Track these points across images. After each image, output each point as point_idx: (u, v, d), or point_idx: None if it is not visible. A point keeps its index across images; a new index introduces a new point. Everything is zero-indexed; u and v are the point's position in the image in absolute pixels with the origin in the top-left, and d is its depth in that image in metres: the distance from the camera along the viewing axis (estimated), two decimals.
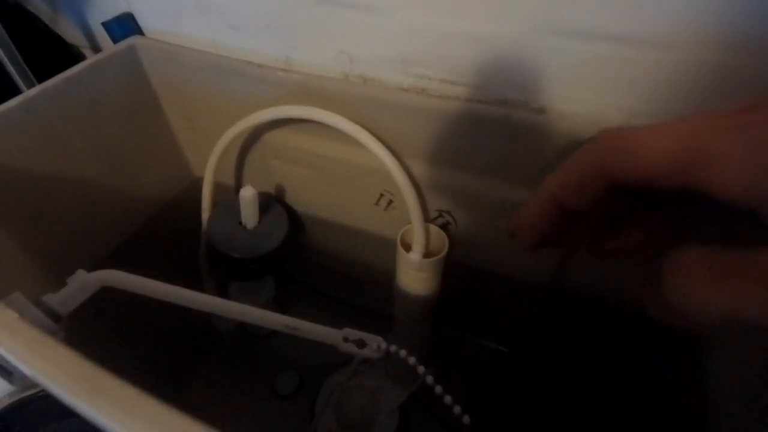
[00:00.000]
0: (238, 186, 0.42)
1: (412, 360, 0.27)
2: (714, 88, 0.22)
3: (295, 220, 0.42)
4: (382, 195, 0.35)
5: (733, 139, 0.11)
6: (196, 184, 0.39)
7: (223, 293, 0.44)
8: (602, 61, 0.24)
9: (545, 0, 0.23)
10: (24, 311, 0.22)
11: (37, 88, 0.29)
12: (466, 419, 0.25)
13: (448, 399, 0.26)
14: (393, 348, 0.28)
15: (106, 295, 0.26)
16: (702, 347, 0.30)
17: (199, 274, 0.42)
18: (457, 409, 0.26)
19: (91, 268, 0.36)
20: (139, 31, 0.37)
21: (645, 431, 0.34)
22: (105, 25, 0.36)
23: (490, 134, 0.28)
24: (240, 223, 0.36)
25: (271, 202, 0.38)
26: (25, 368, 0.16)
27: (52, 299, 0.24)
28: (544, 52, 0.24)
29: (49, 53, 0.44)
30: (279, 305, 0.52)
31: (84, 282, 0.25)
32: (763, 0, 0.19)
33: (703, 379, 0.28)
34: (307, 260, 0.47)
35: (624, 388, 0.38)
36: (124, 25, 0.36)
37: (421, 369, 0.27)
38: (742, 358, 0.27)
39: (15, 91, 0.35)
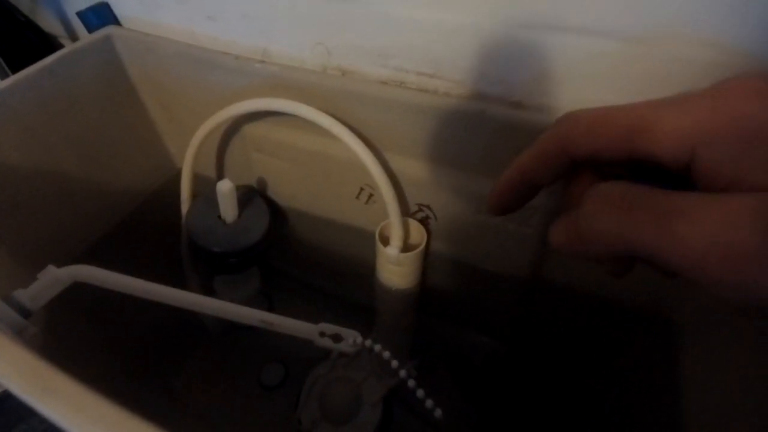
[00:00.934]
0: (220, 178, 0.42)
1: (386, 354, 0.27)
2: (686, 83, 0.22)
3: (277, 213, 0.42)
4: (362, 189, 0.35)
5: (671, 109, 0.13)
6: (178, 176, 0.38)
7: (208, 285, 0.44)
8: (578, 56, 0.23)
9: None
10: None
11: (9, 80, 0.29)
12: (438, 413, 0.26)
13: (420, 393, 0.26)
14: (368, 342, 0.28)
15: (90, 287, 0.25)
16: (678, 339, 0.30)
17: (183, 266, 0.42)
18: (429, 403, 0.26)
19: (70, 263, 0.36)
20: (115, 21, 0.36)
21: (622, 420, 0.35)
22: (80, 14, 0.35)
23: (467, 129, 0.27)
24: (219, 216, 0.36)
25: (253, 195, 0.38)
26: None
27: (22, 295, 0.23)
28: (520, 46, 0.24)
29: (29, 45, 0.43)
30: (264, 296, 0.52)
31: (54, 277, 0.25)
32: (738, 4, 0.19)
33: (678, 371, 0.29)
34: (291, 252, 0.47)
35: (603, 379, 0.38)
36: (100, 15, 0.35)
37: (395, 363, 0.27)
38: (716, 348, 0.27)
39: None
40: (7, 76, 0.34)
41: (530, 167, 0.17)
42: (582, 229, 0.14)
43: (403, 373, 0.27)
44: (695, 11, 0.20)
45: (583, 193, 0.15)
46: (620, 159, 0.14)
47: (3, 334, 0.16)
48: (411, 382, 0.26)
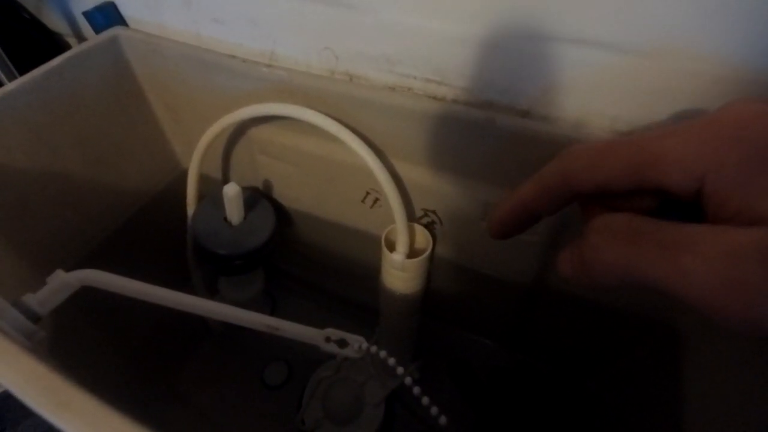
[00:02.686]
0: (226, 180, 0.42)
1: (392, 361, 0.27)
2: (691, 96, 0.22)
3: (283, 215, 0.42)
4: (368, 193, 0.35)
5: (675, 139, 0.13)
6: (185, 176, 0.38)
7: (213, 285, 0.44)
8: (585, 67, 0.23)
9: (528, 6, 0.22)
10: (1, 312, 0.22)
11: (16, 83, 0.29)
12: (443, 420, 0.26)
13: (425, 400, 0.26)
14: (374, 349, 0.28)
15: (95, 287, 0.26)
16: (680, 346, 0.30)
17: (188, 266, 0.42)
18: (434, 410, 0.26)
19: (78, 263, 0.36)
20: (121, 21, 0.36)
21: (623, 424, 0.35)
22: (86, 14, 0.35)
23: (474, 137, 0.27)
24: (225, 218, 0.36)
25: (258, 197, 0.38)
26: None
27: (31, 299, 0.24)
28: (528, 56, 0.24)
29: (34, 43, 0.43)
30: (269, 297, 0.53)
31: (63, 282, 0.25)
32: (739, 18, 0.19)
33: (679, 378, 0.29)
34: (296, 253, 0.47)
35: (604, 383, 0.39)
36: (106, 15, 0.35)
37: (400, 370, 0.27)
38: (718, 356, 0.27)
39: None
40: (14, 77, 0.34)
41: (531, 199, 0.17)
42: (587, 260, 0.14)
43: (408, 380, 0.27)
44: (698, 26, 0.20)
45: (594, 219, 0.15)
46: (627, 190, 0.14)
47: (17, 346, 0.16)
48: (416, 390, 0.27)
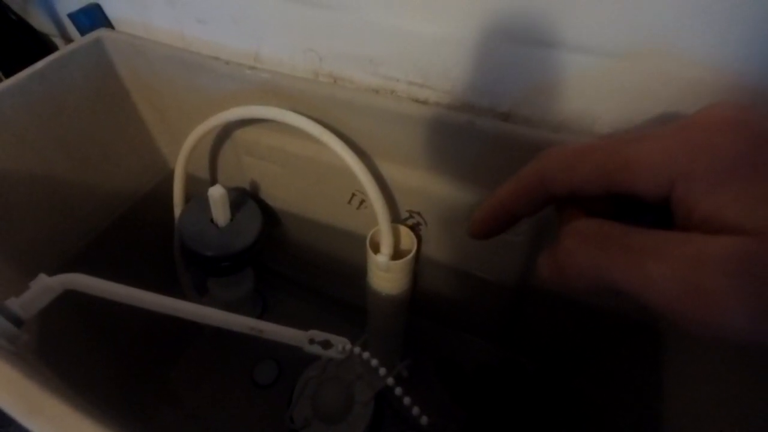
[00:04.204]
0: (214, 181, 0.42)
1: (374, 362, 0.28)
2: (673, 98, 0.22)
3: (271, 215, 0.42)
4: (354, 194, 0.35)
5: (647, 144, 0.13)
6: (172, 176, 0.39)
7: (202, 285, 0.44)
8: (566, 70, 0.23)
9: (509, 10, 0.22)
10: None
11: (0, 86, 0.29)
12: (424, 420, 0.26)
13: (407, 400, 0.26)
14: (357, 350, 0.28)
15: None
16: (662, 346, 0.31)
17: (175, 267, 0.42)
18: (416, 411, 0.26)
19: (65, 264, 0.36)
20: (107, 22, 0.36)
21: (607, 420, 0.35)
22: (71, 16, 0.35)
23: (456, 139, 0.27)
24: (212, 220, 0.36)
25: (245, 198, 0.38)
26: None
27: (14, 303, 0.24)
28: (509, 59, 0.24)
29: (21, 43, 0.43)
30: (259, 296, 0.53)
31: (46, 286, 0.25)
32: (718, 22, 0.19)
33: (660, 376, 0.29)
34: (285, 253, 0.47)
35: (589, 381, 0.39)
36: (91, 17, 0.35)
37: (382, 371, 0.27)
38: (697, 356, 0.27)
39: None
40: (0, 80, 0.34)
41: (510, 199, 0.17)
42: (561, 265, 0.14)
43: (390, 380, 0.27)
44: (678, 29, 0.20)
45: (568, 223, 0.15)
46: (600, 194, 0.14)
47: None
48: (398, 390, 0.27)
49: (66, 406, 0.15)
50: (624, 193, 0.14)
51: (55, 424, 0.14)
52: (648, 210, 0.15)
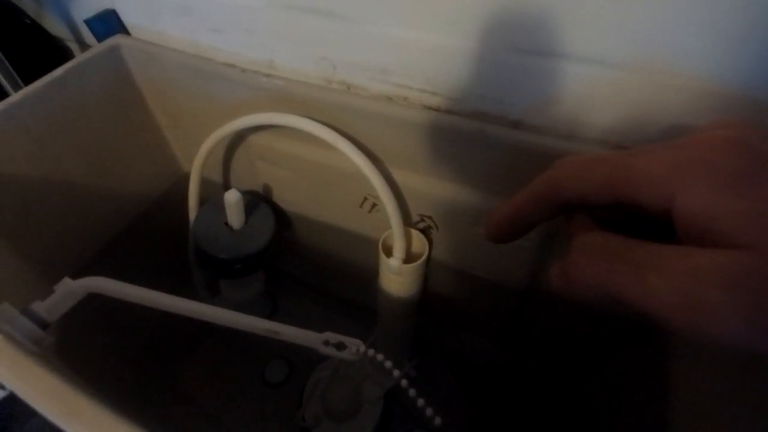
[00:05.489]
0: (227, 184, 0.43)
1: (388, 364, 0.28)
2: (681, 109, 0.23)
3: (283, 218, 0.43)
4: (366, 198, 0.35)
5: (649, 158, 0.14)
6: (185, 180, 0.39)
7: (214, 286, 0.45)
8: (576, 80, 0.24)
9: (520, 21, 0.23)
10: (12, 321, 0.23)
11: (19, 94, 0.30)
12: (437, 421, 0.27)
13: (420, 402, 0.27)
14: (371, 352, 0.29)
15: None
16: (668, 347, 0.31)
17: (189, 268, 0.43)
18: (429, 411, 0.27)
19: (81, 267, 0.37)
20: (122, 29, 0.36)
21: (613, 420, 0.36)
22: (87, 22, 0.35)
23: (467, 146, 0.28)
24: (226, 223, 0.37)
25: (258, 201, 0.39)
26: (11, 388, 0.17)
27: (39, 307, 0.24)
28: (521, 69, 0.25)
29: (35, 47, 0.43)
30: (270, 298, 0.53)
31: (70, 290, 0.25)
32: (727, 37, 0.19)
33: (666, 377, 0.30)
34: (296, 255, 0.48)
35: (595, 382, 0.39)
36: (107, 23, 0.36)
37: (396, 373, 0.28)
38: (703, 358, 0.28)
39: (1, 92, 0.35)
40: (18, 86, 0.35)
41: (524, 206, 0.17)
42: (570, 277, 0.15)
43: (404, 382, 0.28)
44: (686, 43, 0.20)
45: (577, 235, 0.15)
46: (608, 203, 0.15)
47: (30, 358, 0.17)
48: (412, 392, 0.27)
49: (102, 408, 0.16)
50: (628, 204, 0.14)
51: (93, 427, 0.15)
52: (652, 222, 0.15)
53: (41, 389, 0.16)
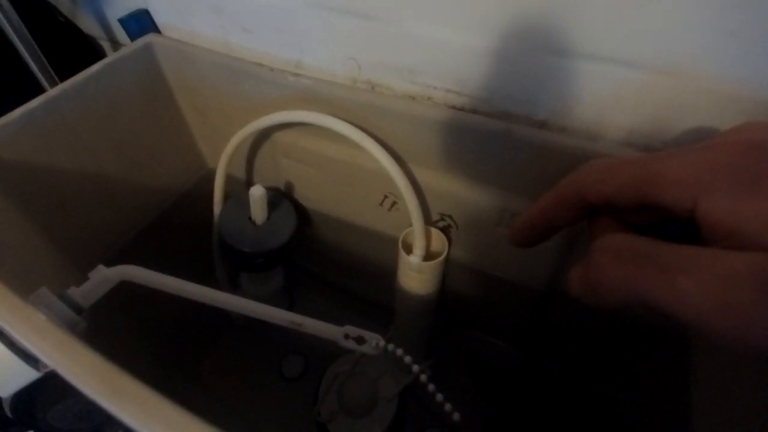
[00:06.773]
0: (250, 180, 0.44)
1: (408, 359, 0.29)
2: (707, 113, 0.23)
3: (303, 215, 0.44)
4: (386, 197, 0.36)
5: (674, 161, 0.14)
6: (211, 175, 0.40)
7: (235, 280, 0.46)
8: (603, 82, 0.24)
9: (547, 22, 0.23)
10: (50, 305, 0.24)
11: (58, 89, 0.31)
12: (456, 416, 0.27)
13: (440, 397, 0.28)
14: (391, 347, 0.29)
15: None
16: (691, 353, 0.31)
17: (212, 261, 0.44)
18: (448, 407, 0.27)
19: (112, 256, 0.38)
20: (155, 28, 0.38)
21: (632, 427, 0.36)
22: (121, 21, 0.37)
23: (492, 146, 0.28)
24: (250, 218, 0.38)
25: (280, 198, 0.40)
26: (55, 368, 0.17)
27: (75, 293, 0.25)
28: (547, 69, 0.25)
29: (68, 45, 0.45)
30: (287, 293, 0.54)
31: (104, 277, 0.27)
32: (755, 41, 0.19)
33: (689, 383, 0.30)
34: (315, 252, 0.49)
35: (615, 386, 0.39)
36: (140, 22, 0.37)
37: (415, 368, 0.28)
38: (727, 364, 0.28)
39: (37, 87, 0.37)
40: (54, 82, 0.36)
41: (550, 209, 0.18)
42: (592, 281, 0.15)
43: (423, 377, 0.28)
44: (714, 46, 0.21)
45: (600, 237, 0.16)
46: (633, 205, 0.15)
47: (73, 339, 0.18)
48: (431, 387, 0.28)
49: (145, 388, 0.16)
50: (653, 206, 0.14)
51: (137, 405, 0.16)
52: (677, 222, 0.15)
53: (87, 367, 0.17)
